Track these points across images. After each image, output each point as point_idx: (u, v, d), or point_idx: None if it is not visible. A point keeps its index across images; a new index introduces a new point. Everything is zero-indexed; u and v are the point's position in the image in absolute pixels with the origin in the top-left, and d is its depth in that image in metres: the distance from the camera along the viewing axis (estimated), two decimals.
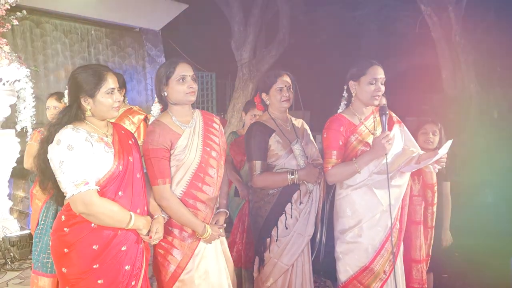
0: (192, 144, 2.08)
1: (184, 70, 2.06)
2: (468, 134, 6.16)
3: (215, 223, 2.14)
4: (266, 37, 8.93)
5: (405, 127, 2.41)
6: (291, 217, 2.37)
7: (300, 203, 2.38)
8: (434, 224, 2.63)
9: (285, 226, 2.37)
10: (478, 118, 6.27)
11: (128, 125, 2.94)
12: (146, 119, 3.07)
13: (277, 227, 2.38)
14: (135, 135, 2.93)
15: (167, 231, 2.06)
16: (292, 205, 2.38)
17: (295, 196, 2.38)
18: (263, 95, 2.52)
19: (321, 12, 9.10)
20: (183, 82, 2.05)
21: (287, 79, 2.46)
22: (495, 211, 5.31)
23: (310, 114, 9.78)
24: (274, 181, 2.38)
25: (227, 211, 2.26)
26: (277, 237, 2.37)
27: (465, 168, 5.82)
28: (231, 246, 3.12)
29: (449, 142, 2.26)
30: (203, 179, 2.08)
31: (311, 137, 2.61)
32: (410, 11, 7.74)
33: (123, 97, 3.11)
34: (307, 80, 9.29)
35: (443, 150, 2.25)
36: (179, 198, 2.03)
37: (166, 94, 2.09)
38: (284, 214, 2.38)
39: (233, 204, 3.24)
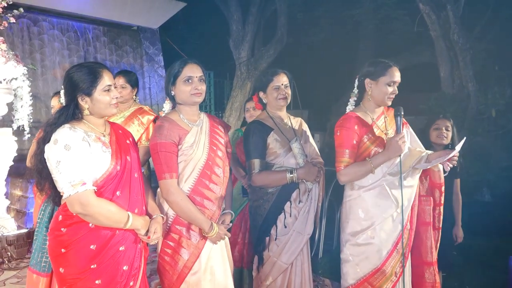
0: (199, 141, 2.09)
1: (191, 71, 2.08)
2: (466, 133, 6.16)
3: (221, 223, 2.14)
4: (264, 36, 8.93)
5: (410, 128, 2.41)
6: (290, 216, 2.36)
7: (300, 201, 2.37)
8: (441, 225, 2.59)
9: (284, 225, 2.36)
10: (476, 117, 6.27)
11: (137, 125, 2.91)
12: (155, 120, 3.05)
13: (276, 226, 2.37)
14: (144, 135, 2.91)
15: (174, 230, 2.06)
16: (291, 204, 2.37)
17: (294, 194, 2.38)
18: (261, 94, 2.52)
19: (319, 11, 9.09)
20: (189, 83, 2.07)
21: (283, 77, 2.46)
22: (493, 210, 5.32)
23: (308, 113, 9.78)
24: (273, 179, 2.37)
25: (232, 212, 2.26)
26: (276, 236, 2.37)
27: (462, 166, 5.83)
28: (232, 246, 3.10)
29: (463, 140, 2.27)
30: (210, 177, 2.09)
31: (310, 136, 2.60)
32: (408, 9, 7.74)
33: (134, 96, 3.10)
34: (305, 79, 9.29)
35: (458, 148, 2.25)
36: (187, 195, 2.03)
37: (173, 94, 2.12)
38: (283, 213, 2.37)
39: (235, 204, 3.22)
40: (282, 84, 2.44)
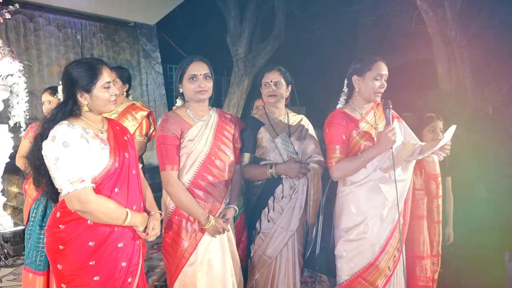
0: (202, 135, 2.15)
1: (195, 69, 2.14)
2: (463, 129, 6.17)
3: (222, 217, 2.15)
4: (261, 32, 8.90)
5: (403, 122, 2.42)
6: (274, 211, 2.38)
7: (283, 197, 2.38)
8: (441, 219, 2.58)
9: (268, 219, 2.39)
10: (473, 114, 6.29)
11: (130, 121, 2.92)
12: (149, 116, 3.05)
13: (260, 220, 2.41)
14: (137, 131, 2.92)
15: (174, 221, 2.11)
16: (274, 199, 2.39)
17: (278, 190, 2.40)
18: (260, 89, 2.56)
19: (316, 7, 9.08)
20: (193, 81, 2.13)
21: (275, 74, 2.47)
22: (490, 206, 5.35)
23: (306, 110, 9.77)
24: (256, 173, 2.41)
25: (236, 208, 2.27)
26: (260, 230, 2.40)
27: (459, 163, 5.85)
28: (236, 245, 3.09)
29: (453, 128, 2.18)
30: (211, 170, 2.12)
31: (311, 133, 2.59)
32: (406, 6, 7.72)
33: (125, 93, 3.10)
34: (303, 75, 9.28)
35: (448, 136, 2.19)
36: (186, 187, 2.08)
37: (181, 91, 2.20)
38: (267, 207, 2.40)
39: (238, 203, 3.20)
40: (271, 81, 2.46)
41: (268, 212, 2.39)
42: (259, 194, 2.43)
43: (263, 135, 2.44)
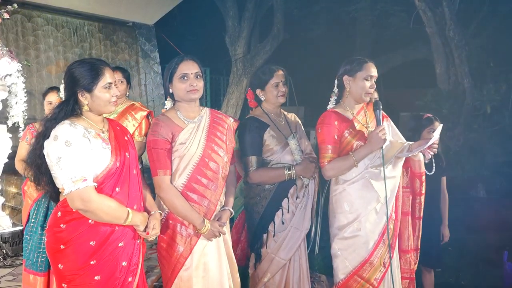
0: (194, 138, 2.09)
1: (186, 68, 2.08)
2: (461, 129, 6.19)
3: (217, 220, 2.11)
4: (260, 32, 8.90)
5: (391, 122, 2.47)
6: (288, 212, 2.38)
7: (297, 197, 2.39)
8: (422, 215, 2.64)
9: (282, 221, 2.38)
10: (471, 113, 6.30)
11: (130, 121, 2.92)
12: (148, 116, 3.05)
13: (274, 222, 2.38)
14: (137, 131, 2.92)
15: (169, 225, 2.08)
16: (289, 200, 2.38)
17: (291, 190, 2.39)
18: (258, 91, 2.52)
19: (315, 7, 9.09)
20: (184, 80, 2.08)
21: (282, 74, 2.48)
22: (488, 205, 5.36)
23: (305, 110, 9.78)
24: (271, 176, 2.38)
25: (232, 210, 2.22)
26: (274, 232, 2.38)
27: (458, 162, 5.86)
28: (234, 245, 3.07)
29: (440, 127, 2.35)
30: (205, 173, 2.08)
31: (303, 131, 2.61)
32: (404, 6, 7.74)
33: (127, 93, 3.10)
34: (302, 75, 9.28)
35: (436, 135, 2.33)
36: (180, 191, 2.04)
37: (171, 91, 2.13)
38: (280, 209, 2.38)
39: (237, 202, 3.20)
40: (281, 81, 2.46)
41: (283, 214, 2.38)
42: (271, 196, 2.40)
43: (270, 136, 2.41)
